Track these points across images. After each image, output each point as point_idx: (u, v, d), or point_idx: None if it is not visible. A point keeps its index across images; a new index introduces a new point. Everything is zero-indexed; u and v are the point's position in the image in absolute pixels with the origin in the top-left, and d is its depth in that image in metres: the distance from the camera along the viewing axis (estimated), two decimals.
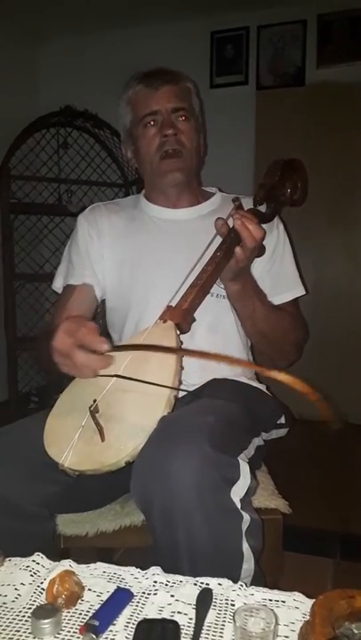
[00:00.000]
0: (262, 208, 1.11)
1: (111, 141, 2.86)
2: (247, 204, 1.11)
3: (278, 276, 1.21)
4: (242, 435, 1.01)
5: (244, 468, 0.87)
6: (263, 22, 2.84)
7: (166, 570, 0.76)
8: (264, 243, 1.06)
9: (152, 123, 1.17)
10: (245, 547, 0.84)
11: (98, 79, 2.98)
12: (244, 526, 0.84)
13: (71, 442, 0.87)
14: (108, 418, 0.88)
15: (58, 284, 1.27)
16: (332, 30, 2.75)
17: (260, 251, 1.03)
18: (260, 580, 0.86)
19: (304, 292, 1.25)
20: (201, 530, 0.79)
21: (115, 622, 0.67)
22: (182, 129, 1.17)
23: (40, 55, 3.25)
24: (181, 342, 0.98)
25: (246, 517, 0.84)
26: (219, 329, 1.17)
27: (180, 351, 0.93)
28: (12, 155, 2.66)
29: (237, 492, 0.84)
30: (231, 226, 1.00)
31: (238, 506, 0.83)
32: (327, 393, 0.70)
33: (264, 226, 1.04)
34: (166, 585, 0.73)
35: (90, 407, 0.89)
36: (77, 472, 0.86)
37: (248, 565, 0.84)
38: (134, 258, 1.21)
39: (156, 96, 1.16)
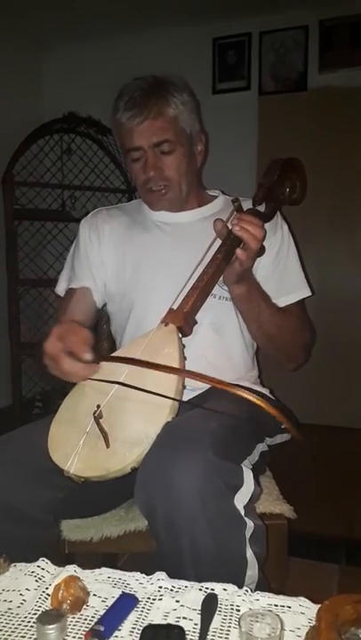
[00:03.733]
0: (261, 208, 1.11)
1: (114, 147, 2.87)
2: (247, 204, 1.11)
3: (283, 276, 1.21)
4: (245, 441, 1.01)
5: (248, 475, 0.87)
6: (265, 28, 2.85)
7: (171, 576, 0.76)
8: (268, 244, 1.06)
9: (136, 158, 1.15)
10: (249, 553, 0.84)
11: (101, 85, 2.97)
12: (248, 533, 0.84)
13: (76, 448, 0.87)
14: (112, 423, 0.88)
15: (60, 288, 1.30)
16: (333, 36, 2.75)
17: (260, 251, 1.03)
18: (264, 586, 0.86)
19: (310, 293, 1.25)
20: (204, 537, 0.79)
21: (120, 628, 0.67)
22: (167, 163, 1.15)
23: (43, 62, 3.26)
24: (184, 345, 0.98)
25: (250, 524, 0.84)
26: (221, 331, 1.16)
27: (162, 368, 0.87)
28: (15, 161, 2.67)
29: (241, 499, 0.84)
30: (230, 227, 1.01)
31: (242, 513, 0.83)
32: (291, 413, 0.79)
33: (267, 226, 1.04)
34: (171, 590, 0.73)
35: (94, 413, 0.90)
36: (83, 479, 0.86)
37: (252, 572, 0.84)
38: (136, 261, 1.21)
39: (138, 131, 1.12)
